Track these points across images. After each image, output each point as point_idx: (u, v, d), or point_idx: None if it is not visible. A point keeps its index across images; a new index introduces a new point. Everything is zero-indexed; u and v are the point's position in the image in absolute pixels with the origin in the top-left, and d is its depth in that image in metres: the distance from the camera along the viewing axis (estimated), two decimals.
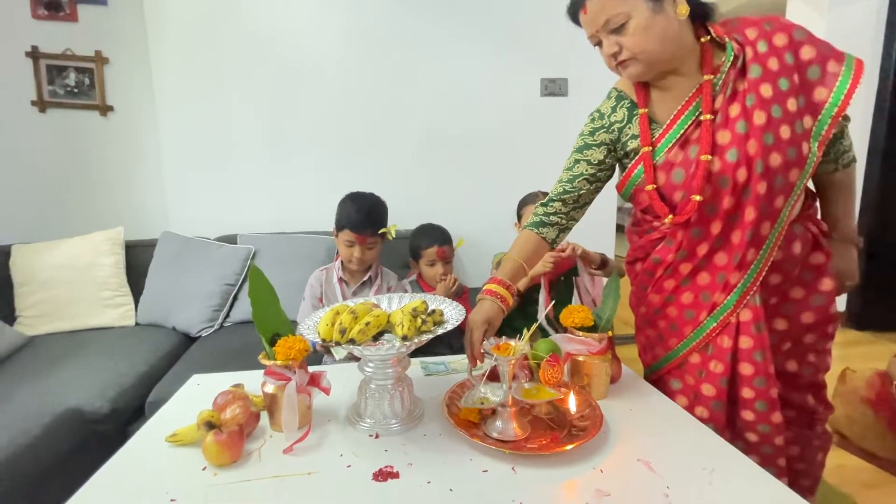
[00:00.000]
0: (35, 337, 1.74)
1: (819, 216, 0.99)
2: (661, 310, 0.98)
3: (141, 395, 1.44)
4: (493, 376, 0.82)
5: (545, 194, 1.09)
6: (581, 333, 0.93)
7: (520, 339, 0.80)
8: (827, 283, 0.93)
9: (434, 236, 1.59)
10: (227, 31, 2.14)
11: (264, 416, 0.86)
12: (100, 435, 1.33)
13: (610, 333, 0.94)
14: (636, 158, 0.93)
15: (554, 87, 2.35)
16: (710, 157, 0.84)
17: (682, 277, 0.94)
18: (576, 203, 1.00)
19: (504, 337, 0.80)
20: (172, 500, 0.65)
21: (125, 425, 1.39)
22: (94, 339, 1.74)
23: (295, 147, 2.28)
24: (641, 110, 0.91)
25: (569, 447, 0.72)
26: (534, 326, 0.84)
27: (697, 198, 0.85)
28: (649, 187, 0.90)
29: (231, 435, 0.73)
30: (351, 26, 2.21)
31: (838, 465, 1.50)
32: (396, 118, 2.31)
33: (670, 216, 0.89)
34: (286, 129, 2.26)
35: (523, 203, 1.58)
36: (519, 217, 1.58)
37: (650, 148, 0.90)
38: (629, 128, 0.94)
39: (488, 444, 0.74)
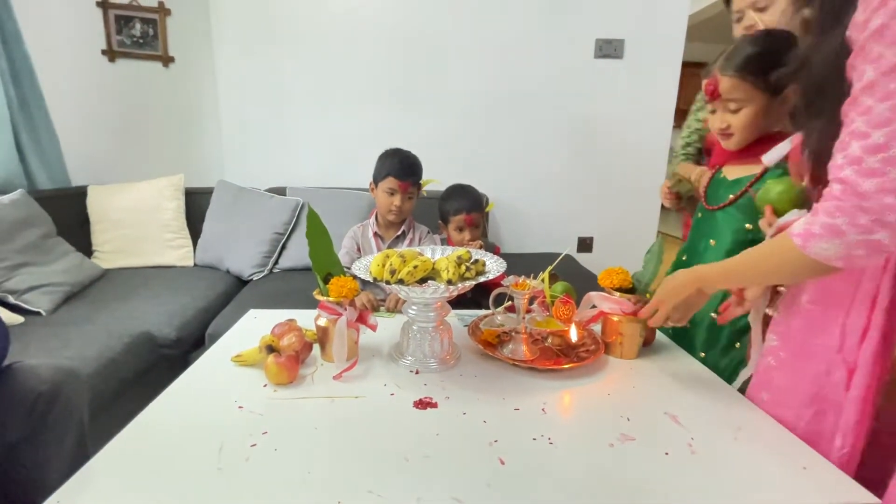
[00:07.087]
0: (109, 270, 1.92)
1: None
2: None
3: (201, 327, 1.59)
4: (513, 310, 0.95)
5: None
6: (618, 294, 0.95)
7: (534, 278, 0.93)
8: None
9: (462, 202, 1.49)
10: None
11: (316, 348, 0.94)
12: (167, 358, 1.49)
13: (648, 296, 0.95)
14: None
15: (609, 49, 2.24)
16: None
17: None
18: None
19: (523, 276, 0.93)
20: (240, 407, 0.74)
21: (188, 352, 1.55)
22: (159, 275, 1.91)
23: (344, 104, 2.32)
24: None
25: (566, 366, 0.86)
26: (549, 268, 0.96)
27: None
28: None
29: (289, 358, 0.82)
30: None
31: None
32: (445, 78, 2.29)
33: None
34: (336, 86, 2.30)
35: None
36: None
37: None
38: None
39: (500, 358, 0.89)
